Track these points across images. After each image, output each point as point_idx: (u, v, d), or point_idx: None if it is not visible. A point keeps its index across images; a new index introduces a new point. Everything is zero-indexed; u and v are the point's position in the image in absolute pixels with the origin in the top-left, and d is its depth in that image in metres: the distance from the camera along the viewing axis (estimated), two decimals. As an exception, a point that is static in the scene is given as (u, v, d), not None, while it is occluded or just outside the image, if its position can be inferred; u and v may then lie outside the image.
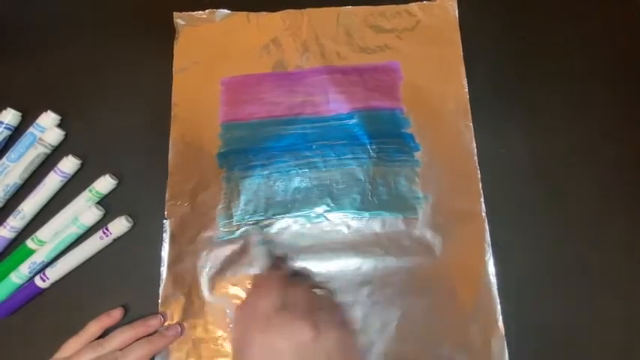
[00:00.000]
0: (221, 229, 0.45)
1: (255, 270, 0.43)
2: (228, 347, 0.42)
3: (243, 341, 0.35)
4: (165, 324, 0.43)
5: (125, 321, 0.43)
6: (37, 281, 0.43)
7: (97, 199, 0.45)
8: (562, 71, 0.49)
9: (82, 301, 0.44)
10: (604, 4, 0.51)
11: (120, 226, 0.44)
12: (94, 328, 0.41)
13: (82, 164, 0.46)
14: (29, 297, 0.43)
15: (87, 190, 0.45)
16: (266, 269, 0.42)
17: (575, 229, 0.45)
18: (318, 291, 0.42)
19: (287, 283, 0.38)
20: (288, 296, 0.36)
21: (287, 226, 0.45)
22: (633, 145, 0.47)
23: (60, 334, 0.41)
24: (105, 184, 0.45)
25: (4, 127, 0.46)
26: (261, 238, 0.44)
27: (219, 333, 0.42)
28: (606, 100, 0.48)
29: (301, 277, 0.43)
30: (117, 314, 0.42)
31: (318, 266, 0.44)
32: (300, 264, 0.44)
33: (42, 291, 0.44)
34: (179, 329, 0.42)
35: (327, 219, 0.45)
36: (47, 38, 0.51)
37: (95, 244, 0.44)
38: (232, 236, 0.44)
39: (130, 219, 0.45)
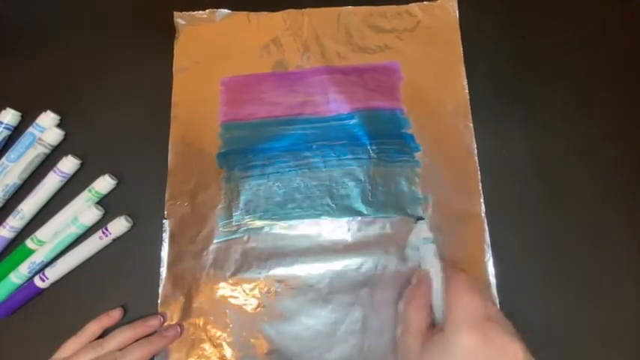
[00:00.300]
0: (221, 229, 0.45)
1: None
2: (227, 347, 0.42)
3: (429, 329, 0.34)
4: (165, 324, 0.42)
5: (125, 321, 0.43)
6: (37, 281, 0.43)
7: (97, 199, 0.45)
8: (562, 71, 0.49)
9: (81, 301, 0.44)
10: (604, 4, 0.51)
11: (119, 226, 0.44)
12: (94, 328, 0.41)
13: (82, 164, 0.46)
14: (29, 297, 0.43)
15: (86, 190, 0.45)
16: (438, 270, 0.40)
17: (574, 229, 0.45)
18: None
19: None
20: (489, 305, 0.34)
21: (287, 227, 0.45)
22: (633, 145, 0.47)
23: (59, 334, 0.41)
24: (104, 184, 0.45)
25: (4, 127, 0.46)
26: (431, 235, 0.43)
27: (219, 333, 0.42)
28: (606, 100, 0.48)
29: None
30: (116, 314, 0.42)
31: (318, 267, 0.44)
32: (300, 265, 0.44)
33: (41, 291, 0.44)
34: (178, 330, 0.42)
35: (327, 220, 0.45)
36: (47, 38, 0.51)
37: (95, 244, 0.44)
38: (232, 236, 0.44)
39: (129, 219, 0.45)
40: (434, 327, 0.37)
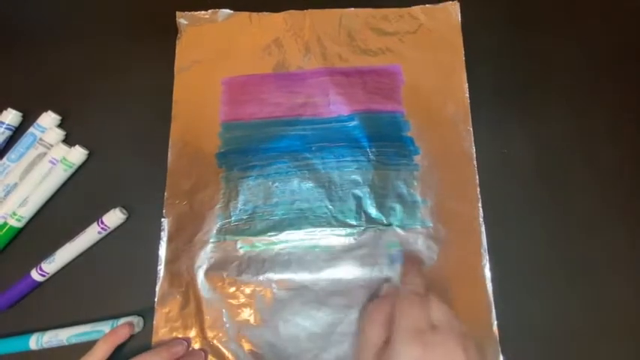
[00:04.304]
0: (219, 229, 0.45)
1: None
2: (223, 347, 0.42)
3: (383, 345, 0.34)
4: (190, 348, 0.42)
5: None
6: (34, 275, 0.43)
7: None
8: (563, 76, 0.49)
9: (79, 299, 0.44)
10: (604, 6, 0.51)
11: (115, 217, 0.44)
12: (103, 348, 0.39)
13: (82, 164, 0.47)
14: (26, 291, 0.44)
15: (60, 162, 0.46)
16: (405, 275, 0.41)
17: (572, 235, 0.44)
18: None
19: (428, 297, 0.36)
20: (432, 312, 0.35)
21: (285, 234, 0.45)
22: (633, 146, 0.47)
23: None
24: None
25: (5, 128, 0.47)
26: (396, 239, 0.44)
27: (215, 332, 0.42)
28: (607, 104, 0.48)
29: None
30: (125, 332, 0.40)
31: (315, 271, 0.44)
32: (296, 268, 0.44)
33: (39, 285, 0.44)
34: (203, 355, 0.42)
35: (326, 227, 0.45)
36: (48, 38, 0.51)
37: (91, 236, 0.44)
38: (230, 237, 0.45)
39: (124, 211, 0.45)
40: None
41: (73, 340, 0.41)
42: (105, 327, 0.42)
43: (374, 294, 0.43)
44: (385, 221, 0.45)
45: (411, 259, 0.43)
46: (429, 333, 0.33)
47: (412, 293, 0.37)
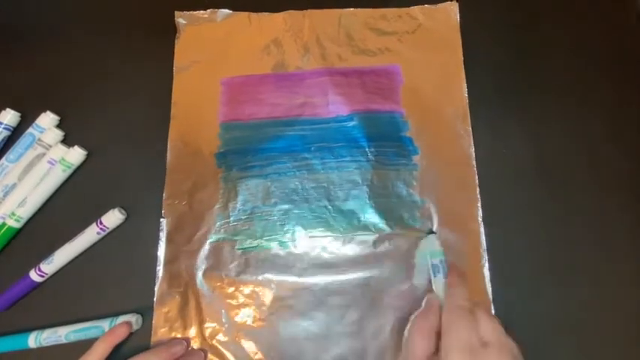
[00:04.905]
0: (217, 229, 0.45)
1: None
2: (222, 347, 0.42)
3: (432, 357, 0.34)
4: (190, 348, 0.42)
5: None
6: (33, 276, 0.43)
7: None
8: (562, 75, 0.49)
9: (78, 298, 0.44)
10: (604, 6, 0.51)
11: (113, 218, 0.44)
12: (102, 347, 0.39)
13: (82, 163, 0.47)
14: (25, 291, 0.44)
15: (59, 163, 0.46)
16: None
17: (572, 234, 0.45)
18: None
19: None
20: (481, 328, 0.34)
21: (284, 234, 0.45)
22: (633, 144, 0.47)
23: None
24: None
25: (3, 128, 0.47)
26: (441, 249, 0.43)
27: (215, 332, 0.42)
28: (606, 104, 0.48)
29: None
30: (122, 331, 0.40)
31: (314, 272, 0.44)
32: (296, 268, 0.44)
33: (38, 285, 0.44)
34: (202, 355, 0.42)
35: (325, 222, 0.45)
36: (47, 38, 0.51)
37: (90, 237, 0.44)
38: (229, 237, 0.45)
39: (123, 211, 0.45)
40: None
41: (72, 337, 0.41)
42: (104, 324, 0.42)
43: (413, 306, 0.42)
44: (385, 221, 0.44)
45: (455, 270, 0.42)
46: (481, 350, 0.33)
47: (459, 307, 0.36)
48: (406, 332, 0.40)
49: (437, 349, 0.35)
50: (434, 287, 0.41)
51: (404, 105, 0.48)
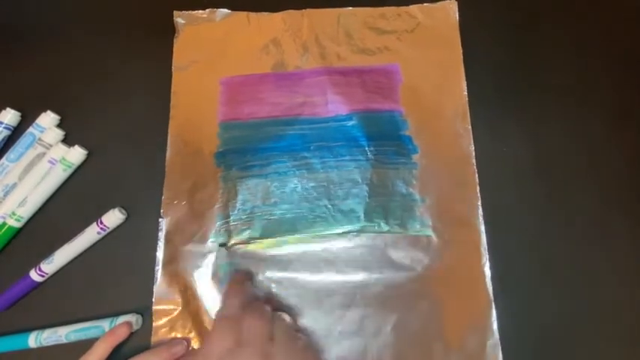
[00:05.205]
0: (217, 228, 0.45)
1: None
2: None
3: None
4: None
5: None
6: (34, 275, 0.43)
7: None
8: (562, 74, 0.49)
9: (77, 298, 0.44)
10: (604, 5, 0.51)
11: (114, 218, 0.44)
12: (102, 347, 0.39)
13: (82, 164, 0.47)
14: (25, 291, 0.44)
15: (59, 162, 0.46)
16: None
17: (572, 234, 0.44)
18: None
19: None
20: (244, 333, 0.34)
21: (284, 233, 0.45)
22: (633, 144, 0.47)
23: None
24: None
25: (4, 127, 0.47)
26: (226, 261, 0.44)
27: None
28: (606, 102, 0.48)
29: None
30: (123, 331, 0.40)
31: (314, 272, 0.44)
32: (296, 268, 0.44)
33: (38, 285, 0.44)
34: (185, 343, 0.42)
35: (325, 221, 0.45)
36: (47, 38, 0.51)
37: (90, 237, 0.44)
38: (228, 237, 0.45)
39: (123, 211, 0.45)
40: None
41: (72, 337, 0.41)
42: (104, 324, 0.42)
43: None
44: (385, 221, 0.44)
45: (233, 279, 0.43)
46: (237, 350, 0.33)
47: (223, 317, 0.36)
48: None
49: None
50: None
51: (403, 104, 0.48)
